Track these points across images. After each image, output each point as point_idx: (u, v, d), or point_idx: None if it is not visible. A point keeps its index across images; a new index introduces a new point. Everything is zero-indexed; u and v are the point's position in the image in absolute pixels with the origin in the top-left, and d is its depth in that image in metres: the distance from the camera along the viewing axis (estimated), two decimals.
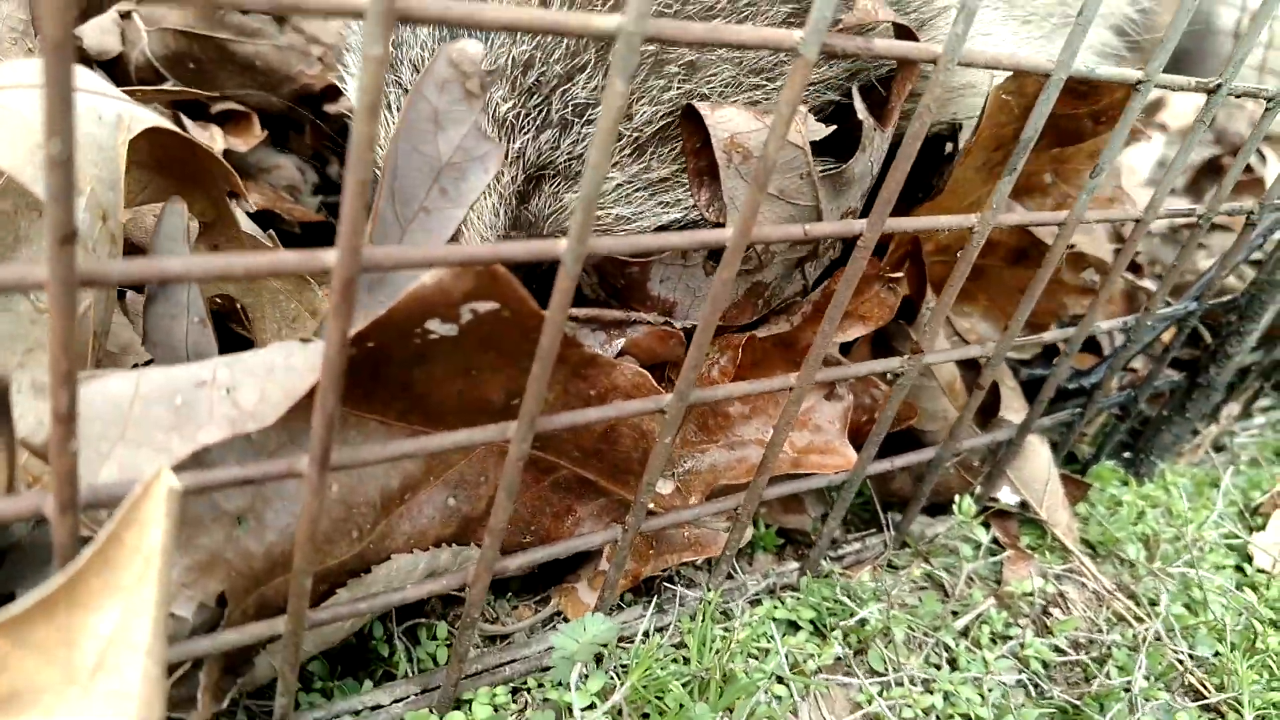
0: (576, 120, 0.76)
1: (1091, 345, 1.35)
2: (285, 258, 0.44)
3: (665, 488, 0.79)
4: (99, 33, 1.09)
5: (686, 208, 0.82)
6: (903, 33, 0.73)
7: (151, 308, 0.65)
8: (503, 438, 0.59)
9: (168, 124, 0.63)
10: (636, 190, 0.80)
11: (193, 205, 0.72)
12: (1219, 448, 1.45)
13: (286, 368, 0.54)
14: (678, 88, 0.75)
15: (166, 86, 0.92)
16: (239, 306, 0.76)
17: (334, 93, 1.21)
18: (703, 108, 0.72)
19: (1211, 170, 2.14)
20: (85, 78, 0.63)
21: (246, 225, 0.74)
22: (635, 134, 0.78)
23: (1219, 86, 0.80)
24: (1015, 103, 0.87)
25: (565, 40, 0.74)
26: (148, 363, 0.70)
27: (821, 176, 0.75)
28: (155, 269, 0.42)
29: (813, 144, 0.75)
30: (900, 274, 0.87)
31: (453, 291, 0.55)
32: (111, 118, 0.60)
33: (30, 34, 0.83)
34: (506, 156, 0.76)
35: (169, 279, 0.42)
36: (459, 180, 0.61)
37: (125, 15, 1.10)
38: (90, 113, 0.59)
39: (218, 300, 0.76)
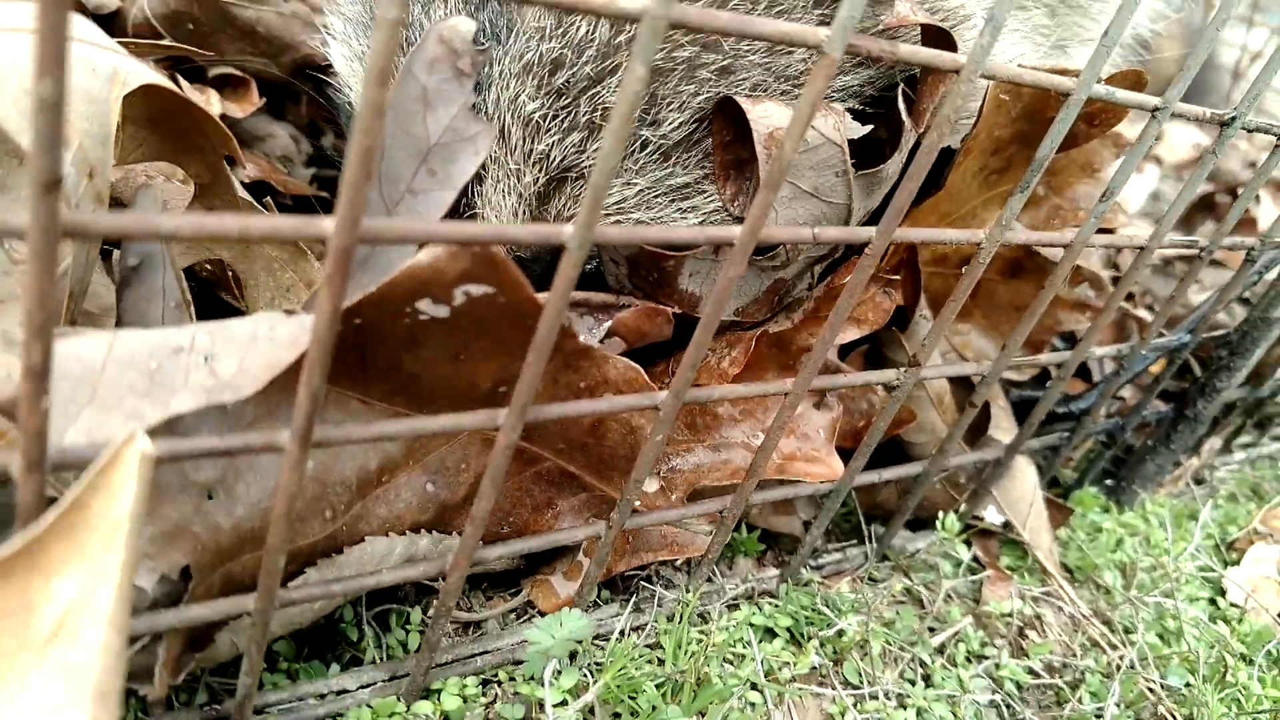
0: (604, 124, 0.74)
1: (1081, 371, 1.35)
2: (282, 222, 0.43)
3: (651, 486, 0.77)
4: None
5: (706, 213, 0.80)
6: (937, 35, 0.71)
7: (126, 291, 0.62)
8: (492, 425, 0.57)
9: (165, 81, 0.61)
10: (658, 196, 0.78)
11: (188, 167, 0.69)
12: (1199, 480, 1.46)
13: (270, 338, 0.52)
14: (708, 93, 0.74)
15: (164, 42, 0.89)
16: (231, 274, 0.74)
17: None
18: (744, 102, 0.70)
19: (1204, 206, 2.14)
20: (80, 25, 0.61)
21: (241, 192, 0.71)
22: (661, 140, 0.76)
23: (1233, 119, 0.80)
24: (1012, 104, 0.85)
25: (596, 42, 0.72)
26: None
27: (857, 176, 0.73)
28: (145, 224, 0.40)
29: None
30: (897, 277, 0.86)
31: (448, 271, 0.54)
32: (106, 70, 0.57)
33: None
34: (530, 157, 0.74)
35: (159, 236, 0.40)
36: (448, 162, 0.59)
37: None
38: (84, 63, 0.57)
39: (208, 267, 0.74)
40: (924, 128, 0.74)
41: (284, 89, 1.24)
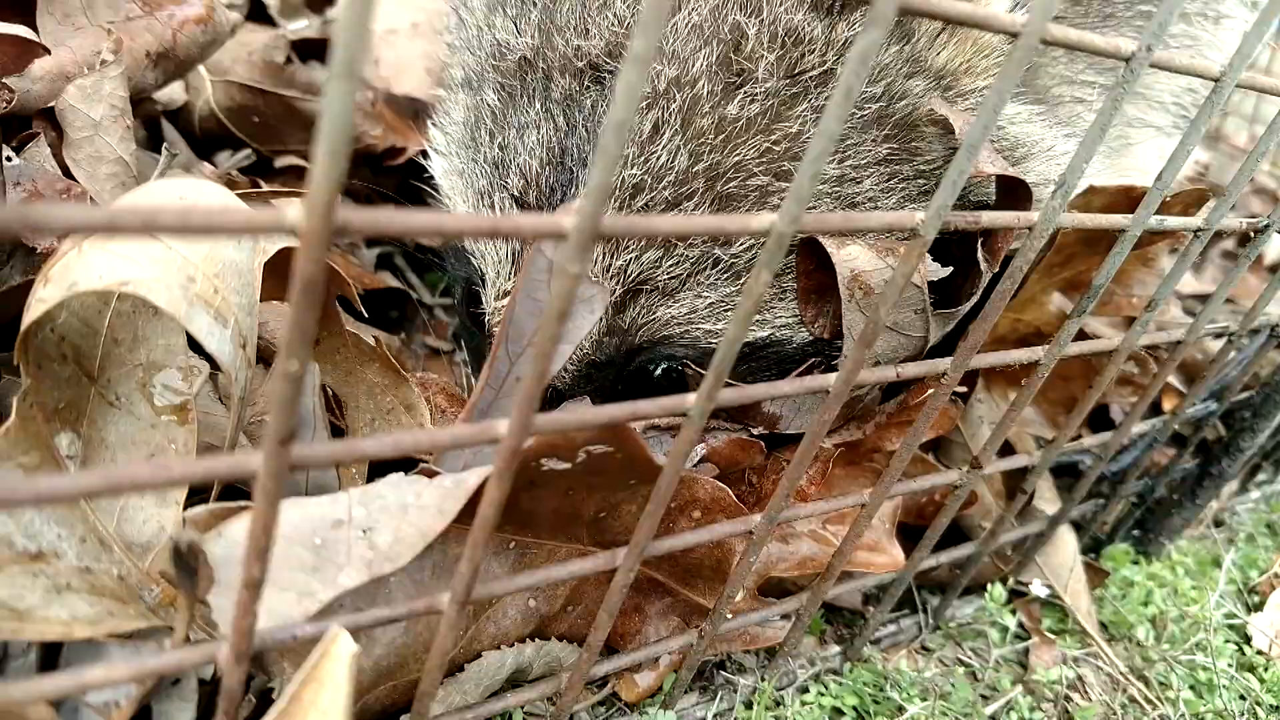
0: (679, 243, 0.79)
1: (1110, 424, 1.40)
2: (462, 432, 0.47)
3: (738, 595, 0.82)
4: None
5: (774, 326, 0.85)
6: (1012, 184, 0.76)
7: None
8: (610, 566, 0.62)
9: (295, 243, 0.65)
10: (728, 310, 0.83)
11: None
12: (1219, 523, 1.51)
13: (419, 507, 0.56)
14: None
15: (266, 189, 0.94)
16: (331, 395, 0.79)
17: (394, 152, 1.23)
18: (829, 244, 0.75)
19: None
20: (215, 193, 0.65)
21: (349, 326, 0.76)
22: (733, 260, 0.81)
23: (1266, 227, 0.85)
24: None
25: (675, 170, 0.77)
26: None
27: (935, 314, 0.79)
28: (356, 451, 0.45)
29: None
30: (965, 389, 0.91)
31: (576, 439, 0.59)
32: (249, 240, 0.62)
33: (128, 112, 0.84)
34: (609, 270, 0.79)
35: (368, 457, 0.45)
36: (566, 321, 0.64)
37: None
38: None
39: None
40: (998, 262, 0.79)
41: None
